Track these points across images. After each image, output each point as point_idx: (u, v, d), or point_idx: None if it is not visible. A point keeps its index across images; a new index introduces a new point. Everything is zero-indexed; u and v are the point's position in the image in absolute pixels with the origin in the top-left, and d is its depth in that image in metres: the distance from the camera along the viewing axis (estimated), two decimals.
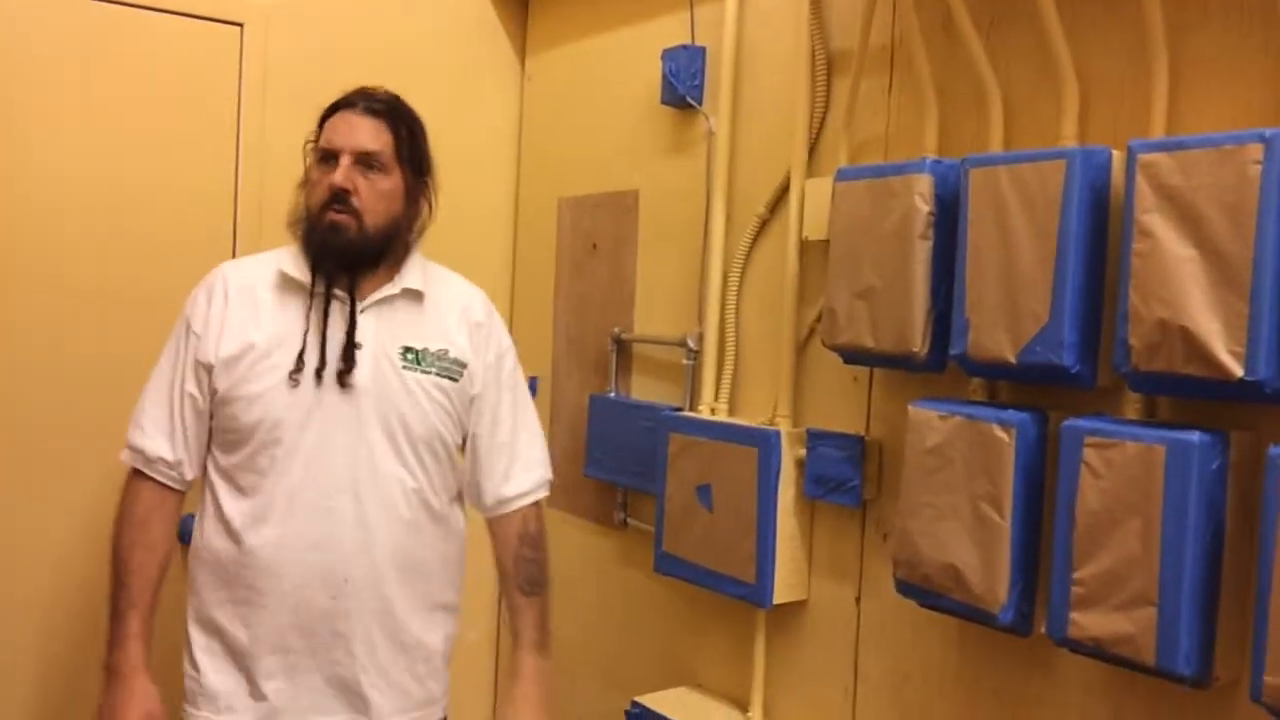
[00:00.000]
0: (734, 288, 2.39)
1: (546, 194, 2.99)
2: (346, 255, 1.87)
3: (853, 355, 2.00)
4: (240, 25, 2.60)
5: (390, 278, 1.93)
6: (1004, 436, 1.71)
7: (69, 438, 2.39)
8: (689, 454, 2.34)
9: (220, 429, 1.89)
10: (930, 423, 1.82)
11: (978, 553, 1.73)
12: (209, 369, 1.86)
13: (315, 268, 1.89)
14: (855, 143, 2.13)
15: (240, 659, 1.87)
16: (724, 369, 2.40)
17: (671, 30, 2.56)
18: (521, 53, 3.07)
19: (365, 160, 1.88)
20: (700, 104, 2.47)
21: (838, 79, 2.19)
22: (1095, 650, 1.59)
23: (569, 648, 2.75)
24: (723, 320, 2.40)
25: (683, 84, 2.45)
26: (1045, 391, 1.78)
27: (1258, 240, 1.42)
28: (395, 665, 1.92)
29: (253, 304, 1.89)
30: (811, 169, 2.22)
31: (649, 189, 2.65)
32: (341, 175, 1.85)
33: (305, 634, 1.86)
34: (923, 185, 1.84)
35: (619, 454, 2.65)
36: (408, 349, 1.91)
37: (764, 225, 2.35)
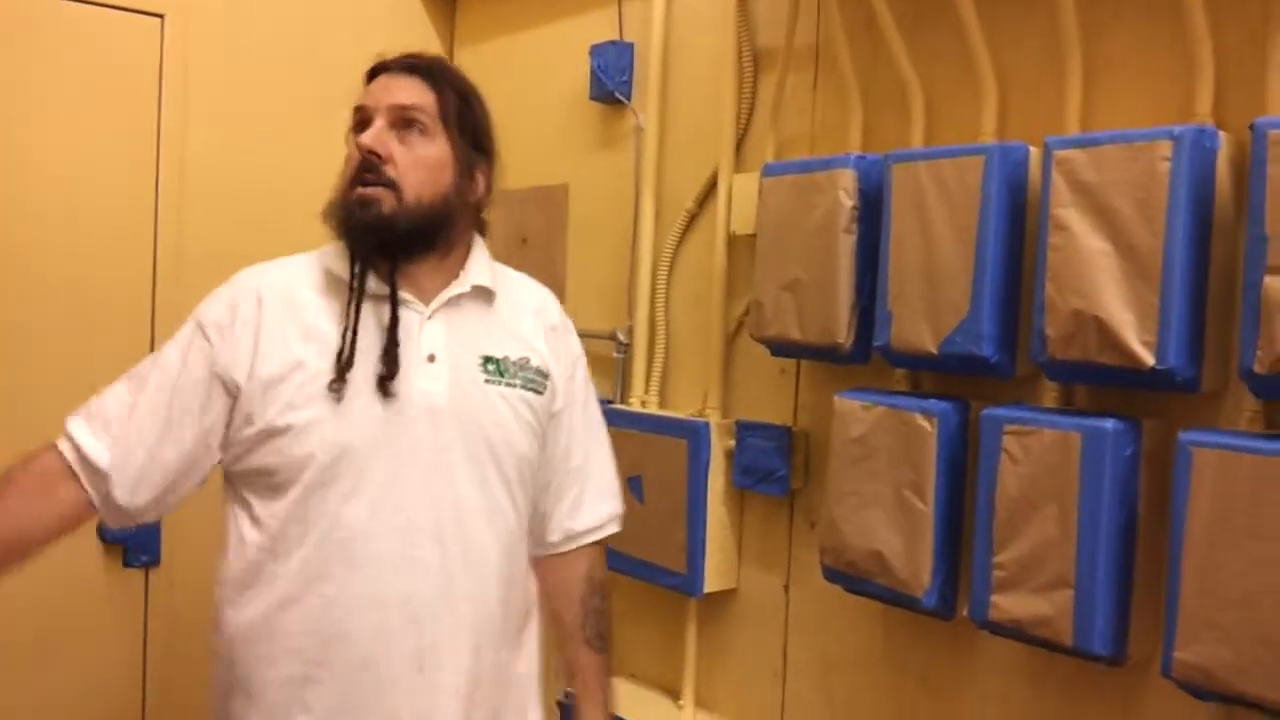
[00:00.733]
0: (663, 281, 2.41)
1: None
2: (380, 234, 1.50)
3: (780, 347, 2.04)
4: (161, 16, 2.56)
5: (453, 272, 1.58)
6: (926, 425, 1.75)
7: None
8: (620, 446, 2.34)
9: (257, 472, 1.49)
10: (855, 413, 1.86)
11: (901, 539, 1.78)
12: (233, 391, 1.48)
13: (354, 258, 1.54)
14: (781, 139, 2.17)
15: None
16: (654, 362, 2.43)
17: (599, 26, 2.58)
18: (450, 47, 3.06)
19: (402, 120, 1.52)
20: (629, 100, 2.48)
21: (764, 76, 2.23)
22: (1015, 632, 1.64)
23: None
24: (652, 313, 2.43)
25: (611, 80, 2.47)
26: (967, 381, 1.83)
27: (1167, 234, 1.47)
28: None
29: (293, 312, 1.52)
30: (739, 164, 2.25)
31: (579, 183, 2.66)
32: (371, 136, 1.51)
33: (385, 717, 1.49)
34: (847, 180, 1.88)
35: None
36: (488, 359, 1.57)
37: (692, 220, 2.37)
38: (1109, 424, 1.54)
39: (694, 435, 2.21)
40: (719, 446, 2.22)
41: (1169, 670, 1.47)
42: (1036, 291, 1.62)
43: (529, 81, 2.82)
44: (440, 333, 1.55)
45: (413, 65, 1.57)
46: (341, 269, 1.54)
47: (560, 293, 2.68)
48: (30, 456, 1.49)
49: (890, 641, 1.98)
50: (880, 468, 1.82)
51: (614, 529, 1.77)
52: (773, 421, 2.16)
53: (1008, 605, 1.64)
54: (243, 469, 1.51)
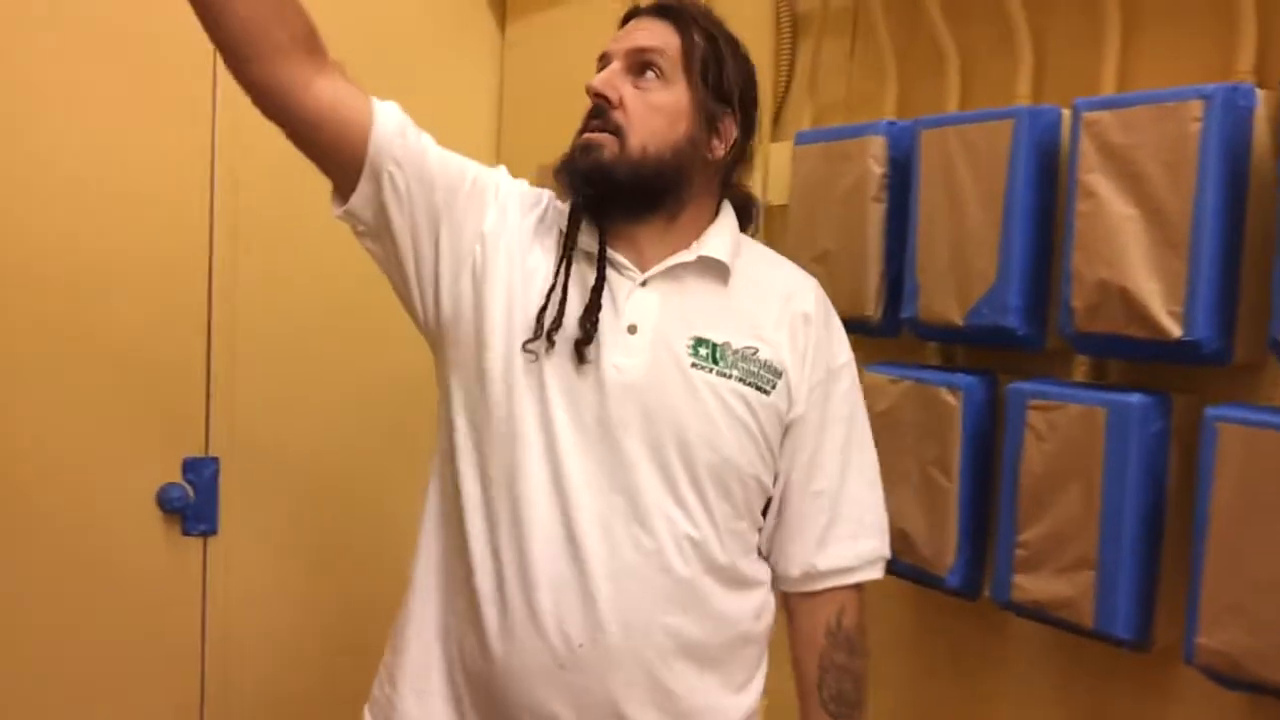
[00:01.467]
0: None
1: (528, 162, 2.98)
2: (597, 184, 1.37)
3: None
4: None
5: (683, 240, 1.42)
6: (951, 400, 1.70)
7: None
8: None
9: (459, 365, 1.42)
10: (882, 387, 1.81)
11: (926, 517, 1.73)
12: (457, 266, 1.41)
13: (574, 208, 1.42)
14: (819, 107, 2.12)
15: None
16: None
17: None
18: (502, 20, 3.05)
19: (638, 63, 1.39)
20: None
21: (802, 43, 2.17)
22: (1037, 613, 1.59)
23: None
24: None
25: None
26: (997, 355, 1.76)
27: (1196, 199, 1.40)
28: None
29: (525, 238, 1.43)
30: (776, 133, 2.20)
31: None
32: (602, 78, 1.39)
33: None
34: (876, 148, 1.82)
35: None
36: (700, 340, 1.38)
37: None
38: (1134, 399, 1.48)
39: None
40: None
41: (1191, 657, 1.40)
42: (1064, 261, 1.55)
43: (578, 53, 2.78)
44: (651, 304, 1.39)
45: (662, 8, 1.44)
46: (559, 216, 1.44)
47: None
48: None
49: (920, 622, 1.93)
50: (906, 444, 1.77)
51: (873, 574, 1.50)
52: None
53: (1030, 586, 1.58)
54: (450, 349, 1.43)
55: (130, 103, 2.45)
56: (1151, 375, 1.57)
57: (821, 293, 1.50)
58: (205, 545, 2.61)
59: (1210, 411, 1.40)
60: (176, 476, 2.54)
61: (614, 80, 1.39)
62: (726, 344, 1.38)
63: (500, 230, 1.42)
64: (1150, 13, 1.61)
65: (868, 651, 1.51)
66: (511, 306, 1.39)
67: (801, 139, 1.98)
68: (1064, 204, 1.60)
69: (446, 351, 1.44)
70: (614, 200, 1.38)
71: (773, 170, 2.18)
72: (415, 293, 1.44)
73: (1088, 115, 1.52)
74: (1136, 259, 1.46)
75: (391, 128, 1.39)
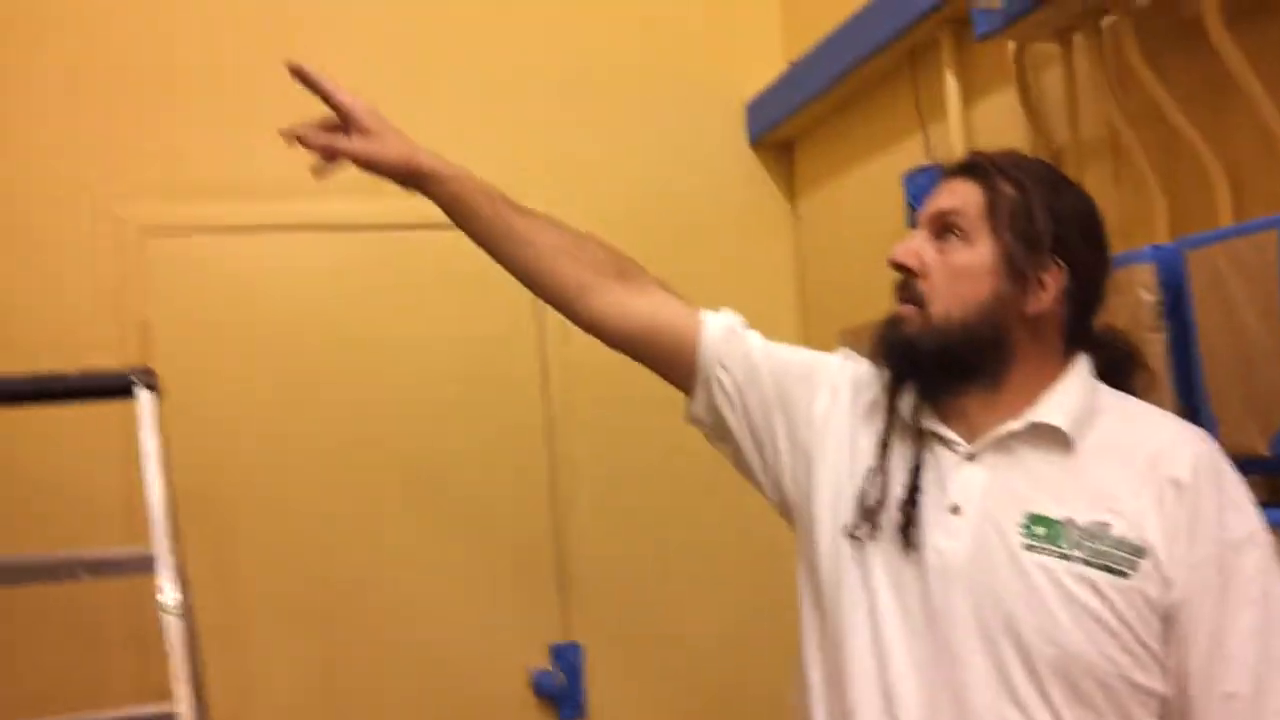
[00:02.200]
0: None
1: (831, 329, 3.02)
2: (902, 359, 1.32)
3: None
4: None
5: (1015, 406, 1.29)
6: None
7: None
8: None
9: (801, 550, 1.43)
10: None
11: None
12: (794, 452, 1.43)
13: (890, 384, 1.36)
14: None
15: None
16: None
17: (913, 151, 2.56)
18: (790, 195, 3.15)
19: (940, 227, 1.33)
20: None
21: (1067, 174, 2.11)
22: None
23: None
24: None
25: (920, 204, 2.43)
26: None
27: None
28: None
29: (858, 418, 1.40)
30: None
31: None
32: (900, 247, 1.34)
33: None
34: (1145, 275, 1.72)
35: None
36: (1036, 518, 1.23)
37: None
38: None
39: None
40: None
41: None
42: None
43: (863, 218, 2.84)
44: (976, 480, 1.27)
45: (966, 165, 1.37)
46: (876, 387, 1.39)
47: None
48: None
49: None
50: None
51: None
52: None
53: None
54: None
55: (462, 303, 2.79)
56: None
57: (1207, 451, 1.26)
58: None
59: None
60: (544, 662, 2.77)
61: (914, 247, 1.34)
62: (1069, 520, 1.21)
63: (831, 412, 1.42)
64: None
65: None
66: (839, 490, 1.36)
67: None
68: None
69: (796, 535, 1.46)
70: (928, 373, 1.31)
71: None
72: (767, 486, 1.49)
73: None
74: None
75: (717, 334, 1.48)
